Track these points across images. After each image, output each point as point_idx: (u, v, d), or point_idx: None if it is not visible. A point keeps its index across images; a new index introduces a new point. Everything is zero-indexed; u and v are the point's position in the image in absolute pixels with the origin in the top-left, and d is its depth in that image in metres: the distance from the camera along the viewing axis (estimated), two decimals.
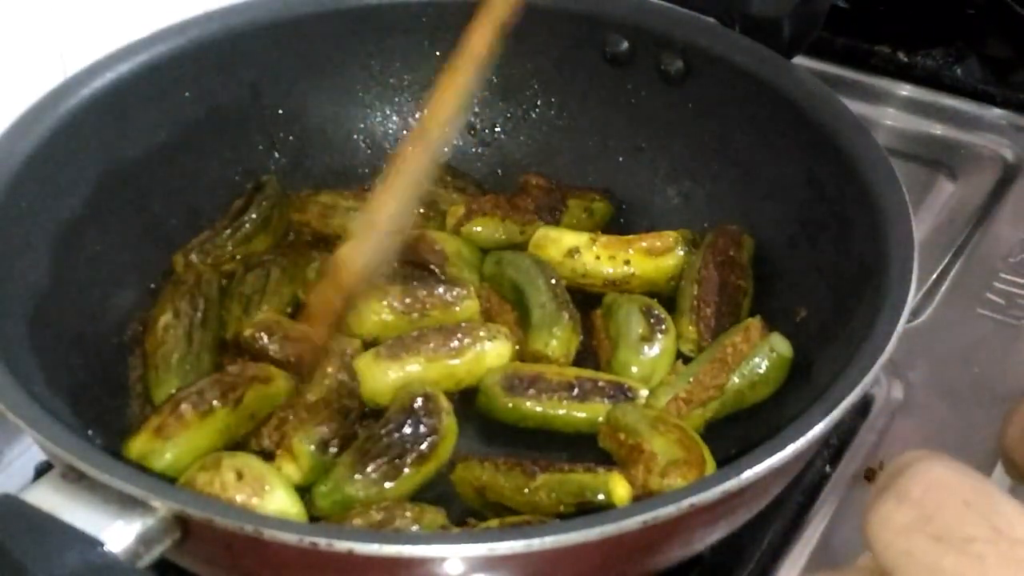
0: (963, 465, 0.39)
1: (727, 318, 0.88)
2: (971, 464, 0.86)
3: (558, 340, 0.86)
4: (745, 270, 0.90)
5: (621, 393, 0.82)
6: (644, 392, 0.83)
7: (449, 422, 0.80)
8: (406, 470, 0.77)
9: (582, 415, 0.82)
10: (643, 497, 0.74)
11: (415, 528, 0.73)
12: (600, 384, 0.83)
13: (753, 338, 0.84)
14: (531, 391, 0.83)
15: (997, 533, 0.35)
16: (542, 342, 0.86)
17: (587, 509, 0.74)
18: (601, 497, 0.74)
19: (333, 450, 0.78)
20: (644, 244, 0.92)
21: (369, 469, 0.76)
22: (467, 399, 0.85)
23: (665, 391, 0.83)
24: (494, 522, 0.74)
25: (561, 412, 0.82)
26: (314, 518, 0.76)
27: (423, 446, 0.78)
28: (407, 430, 0.78)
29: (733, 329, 0.85)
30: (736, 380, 0.82)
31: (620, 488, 0.74)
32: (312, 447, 0.77)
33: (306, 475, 0.77)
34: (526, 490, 0.75)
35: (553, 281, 0.89)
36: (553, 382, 0.83)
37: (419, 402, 0.80)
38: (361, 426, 0.82)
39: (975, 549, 0.35)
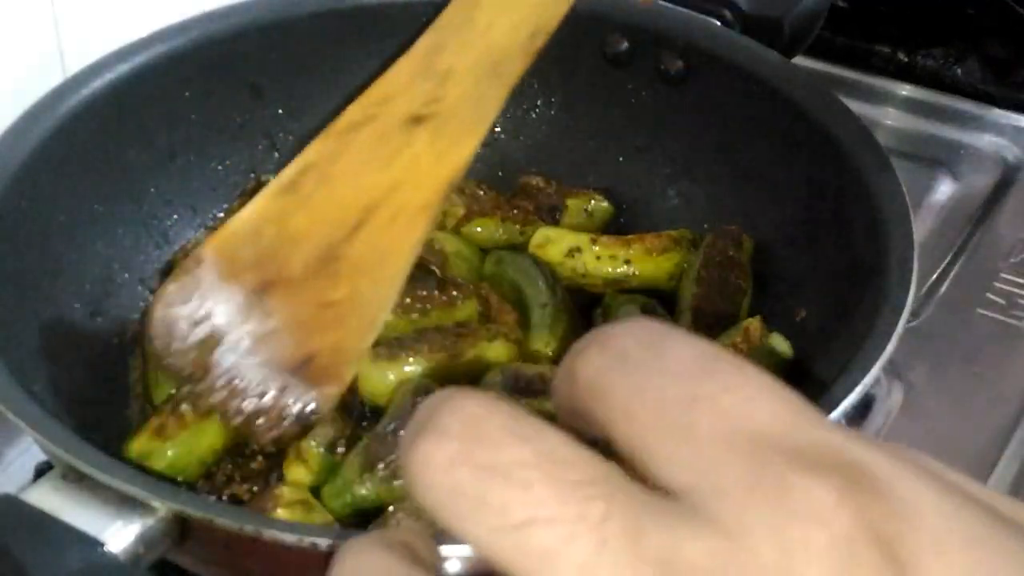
0: (496, 398, 0.36)
1: (726, 318, 0.88)
2: (971, 465, 0.87)
3: (558, 340, 0.86)
4: (744, 270, 0.90)
5: None
6: None
7: None
8: None
9: None
10: None
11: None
12: None
13: (753, 339, 0.84)
14: (529, 390, 0.82)
15: (541, 456, 0.33)
16: (542, 342, 0.86)
17: None
18: None
19: (341, 450, 0.78)
20: (644, 244, 0.92)
21: (377, 468, 0.76)
22: None
23: None
24: None
25: None
26: None
27: None
28: None
29: (732, 330, 0.85)
30: None
31: None
32: (322, 449, 0.77)
33: (316, 476, 0.77)
34: None
35: (553, 281, 0.89)
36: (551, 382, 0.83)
37: (420, 399, 0.79)
38: (361, 427, 0.82)
39: (522, 475, 0.33)
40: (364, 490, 0.76)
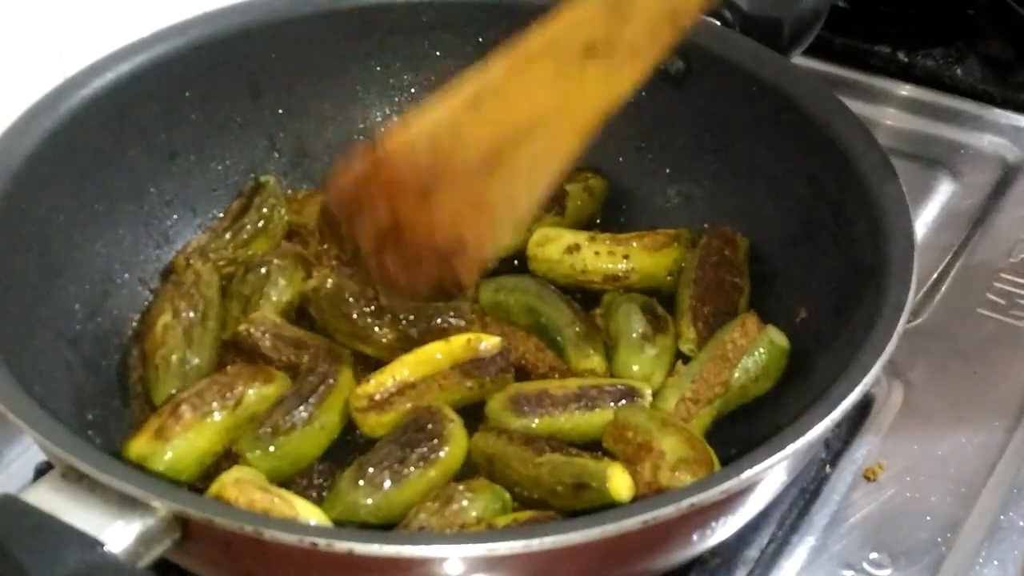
0: None
1: (725, 316, 0.88)
2: (971, 465, 0.87)
3: (599, 354, 0.86)
4: (740, 269, 0.90)
5: (626, 395, 0.82)
6: (648, 391, 0.83)
7: (453, 429, 0.80)
8: (410, 470, 0.77)
9: (593, 422, 0.82)
10: (653, 493, 0.74)
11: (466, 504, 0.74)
12: (606, 389, 0.83)
13: (751, 332, 0.84)
14: (539, 409, 0.82)
15: None
16: (589, 360, 0.86)
17: (582, 493, 0.75)
18: (595, 484, 0.74)
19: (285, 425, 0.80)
20: (642, 240, 0.92)
21: (370, 472, 0.76)
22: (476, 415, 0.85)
23: (672, 393, 0.83)
24: (507, 518, 0.75)
25: (572, 424, 0.82)
26: None
27: (424, 449, 0.78)
28: (409, 437, 0.78)
29: (729, 325, 0.86)
30: (738, 375, 0.82)
31: (617, 479, 0.74)
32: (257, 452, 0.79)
33: (272, 470, 0.78)
34: (531, 464, 0.77)
35: (568, 296, 0.90)
36: (559, 396, 0.83)
37: (423, 415, 0.80)
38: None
39: None
40: (356, 496, 0.76)
